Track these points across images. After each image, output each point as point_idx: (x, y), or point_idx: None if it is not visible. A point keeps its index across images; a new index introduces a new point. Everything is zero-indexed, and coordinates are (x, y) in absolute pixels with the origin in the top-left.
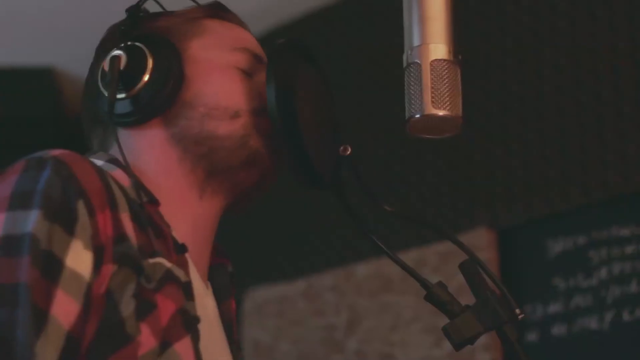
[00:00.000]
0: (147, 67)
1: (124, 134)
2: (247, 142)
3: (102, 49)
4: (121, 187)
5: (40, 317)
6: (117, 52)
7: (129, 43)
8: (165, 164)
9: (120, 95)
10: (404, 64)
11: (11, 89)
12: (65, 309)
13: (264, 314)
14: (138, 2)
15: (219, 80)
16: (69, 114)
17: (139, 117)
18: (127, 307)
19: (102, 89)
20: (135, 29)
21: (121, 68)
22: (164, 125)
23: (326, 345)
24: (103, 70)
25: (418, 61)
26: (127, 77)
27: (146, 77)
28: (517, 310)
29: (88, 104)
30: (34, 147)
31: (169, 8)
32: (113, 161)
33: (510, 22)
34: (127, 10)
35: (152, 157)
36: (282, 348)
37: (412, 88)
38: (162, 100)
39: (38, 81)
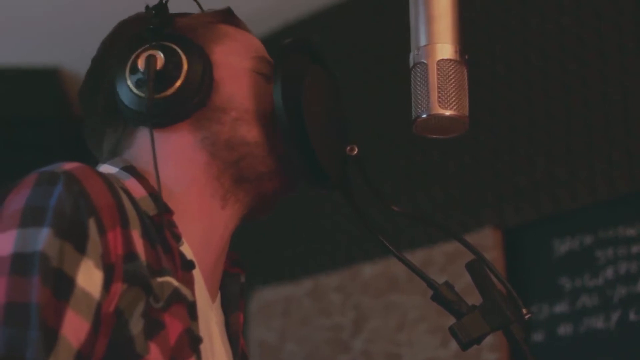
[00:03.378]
0: (182, 69)
1: (146, 137)
2: (275, 151)
3: (112, 43)
4: (132, 200)
5: (51, 336)
6: (153, 51)
7: (163, 43)
8: (189, 170)
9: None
10: (411, 64)
11: (17, 89)
12: (75, 328)
13: (270, 314)
14: (162, 1)
15: (247, 83)
16: (75, 114)
17: (169, 119)
18: (137, 326)
19: (131, 86)
20: (164, 27)
21: (157, 68)
22: (192, 128)
23: (332, 345)
24: (135, 67)
25: (424, 61)
26: (161, 78)
27: (181, 79)
28: (524, 310)
29: (100, 101)
30: (40, 147)
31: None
32: (128, 169)
33: (517, 22)
34: (155, 8)
35: (176, 162)
36: (288, 348)
37: (419, 88)
38: (195, 103)
39: (44, 81)
